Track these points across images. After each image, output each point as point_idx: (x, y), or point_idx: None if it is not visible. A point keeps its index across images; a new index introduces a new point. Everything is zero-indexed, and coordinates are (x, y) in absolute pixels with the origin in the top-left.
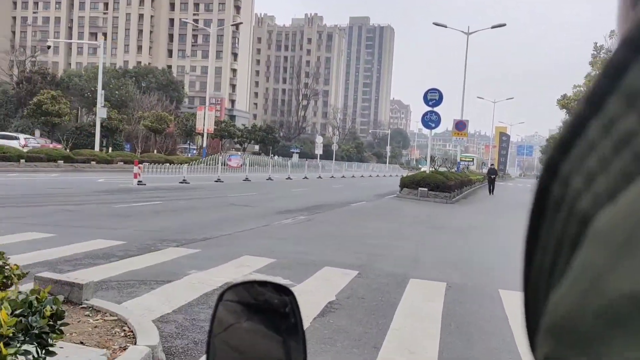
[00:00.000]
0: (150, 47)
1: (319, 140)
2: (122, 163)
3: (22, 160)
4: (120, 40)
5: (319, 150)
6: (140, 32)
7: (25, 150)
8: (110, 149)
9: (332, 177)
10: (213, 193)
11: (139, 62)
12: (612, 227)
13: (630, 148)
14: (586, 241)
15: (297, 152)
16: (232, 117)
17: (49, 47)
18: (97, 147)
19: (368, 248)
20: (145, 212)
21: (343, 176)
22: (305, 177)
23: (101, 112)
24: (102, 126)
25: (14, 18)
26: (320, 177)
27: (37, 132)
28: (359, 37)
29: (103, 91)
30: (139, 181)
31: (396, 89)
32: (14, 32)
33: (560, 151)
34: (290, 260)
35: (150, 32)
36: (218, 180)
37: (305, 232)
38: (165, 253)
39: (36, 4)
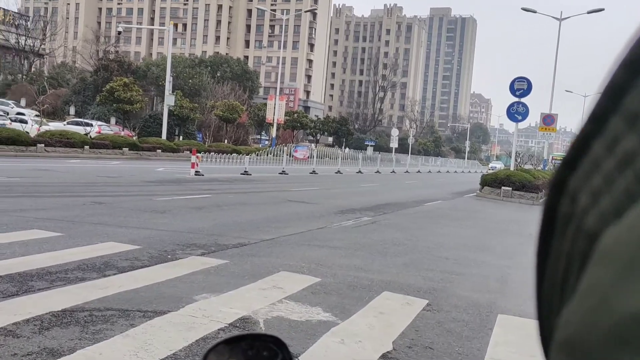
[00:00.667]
0: (228, 38)
1: (395, 133)
2: (188, 152)
3: (86, 147)
4: (200, 31)
5: (394, 144)
6: (218, 22)
7: (91, 136)
8: (181, 137)
9: (407, 171)
10: (272, 186)
11: (217, 53)
12: (617, 246)
13: (633, 168)
14: (593, 259)
15: (371, 145)
16: (307, 109)
17: (119, 32)
18: (164, 135)
19: (442, 264)
20: (186, 208)
21: (418, 171)
22: (378, 171)
23: (169, 99)
24: (174, 115)
25: (100, 9)
26: (393, 171)
27: (113, 120)
28: (440, 28)
29: (171, 78)
30: (196, 171)
31: (477, 83)
32: (99, 23)
33: (567, 168)
34: (340, 281)
35: (229, 22)
36: (282, 173)
37: (366, 239)
38: (182, 265)
39: None
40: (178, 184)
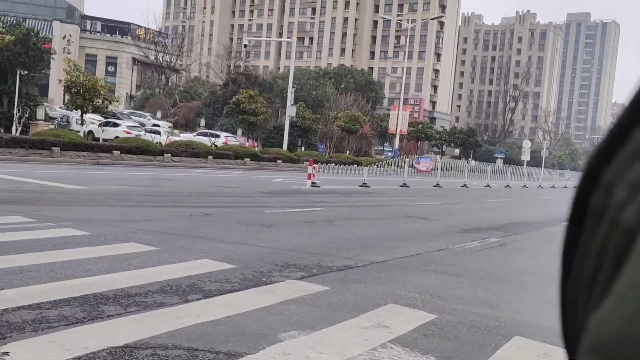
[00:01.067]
0: (353, 50)
1: (527, 145)
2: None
3: (210, 157)
4: (325, 43)
5: (525, 156)
6: (344, 35)
7: (216, 146)
8: (303, 148)
9: (540, 186)
10: (390, 200)
11: (341, 65)
12: None
13: None
14: (633, 257)
15: (501, 158)
16: (432, 119)
17: (245, 45)
18: (285, 146)
19: None
20: (295, 222)
21: (553, 186)
22: (508, 186)
23: (290, 110)
24: (296, 126)
25: (232, 26)
26: (525, 185)
27: (239, 131)
28: (577, 34)
29: (294, 89)
30: (312, 183)
31: (619, 91)
32: (231, 39)
33: (602, 158)
34: (460, 320)
35: (354, 34)
36: (403, 185)
37: (494, 265)
38: (275, 290)
39: (252, 12)
40: (292, 195)
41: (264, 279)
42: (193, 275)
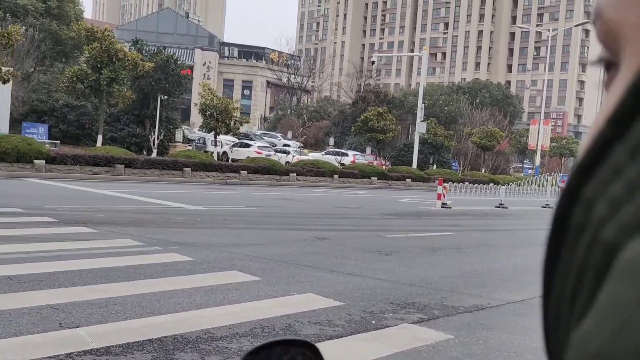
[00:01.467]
0: (488, 64)
1: None
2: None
3: (335, 176)
4: (459, 58)
5: None
6: (478, 48)
7: (343, 165)
8: (434, 166)
9: None
10: (530, 223)
11: (476, 79)
12: None
13: None
14: (614, 274)
15: None
16: (577, 134)
17: (373, 62)
18: (414, 164)
19: None
20: (418, 249)
21: None
22: None
23: (420, 127)
24: (427, 143)
25: (363, 45)
26: None
27: (368, 149)
28: None
29: (424, 105)
30: (442, 203)
31: None
32: (362, 58)
33: (582, 174)
34: None
35: (489, 47)
36: (546, 206)
37: None
38: (386, 338)
39: (382, 30)
40: (418, 217)
41: (373, 322)
42: (291, 314)
